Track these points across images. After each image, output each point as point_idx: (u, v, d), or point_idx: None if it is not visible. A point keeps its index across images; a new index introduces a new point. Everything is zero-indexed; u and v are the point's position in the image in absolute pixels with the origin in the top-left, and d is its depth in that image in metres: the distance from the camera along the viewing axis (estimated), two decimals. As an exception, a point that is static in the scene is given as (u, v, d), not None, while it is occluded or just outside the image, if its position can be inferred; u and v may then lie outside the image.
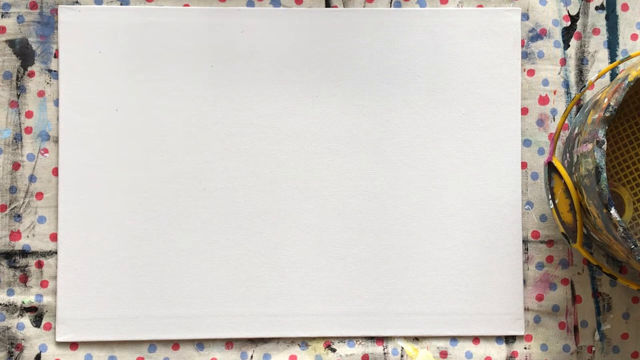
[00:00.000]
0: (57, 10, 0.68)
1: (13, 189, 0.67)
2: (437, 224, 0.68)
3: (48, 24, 0.68)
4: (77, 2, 0.68)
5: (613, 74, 0.69)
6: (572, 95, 0.69)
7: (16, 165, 0.67)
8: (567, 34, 0.69)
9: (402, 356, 0.68)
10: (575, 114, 0.69)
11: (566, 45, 0.69)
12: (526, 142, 0.69)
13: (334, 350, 0.68)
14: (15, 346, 0.67)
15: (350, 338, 0.68)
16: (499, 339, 0.68)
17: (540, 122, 0.69)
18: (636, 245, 0.55)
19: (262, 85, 0.68)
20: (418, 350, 0.68)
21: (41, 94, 0.67)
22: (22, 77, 0.67)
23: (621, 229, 0.55)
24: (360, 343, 0.68)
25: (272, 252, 0.67)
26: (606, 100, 0.57)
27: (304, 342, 0.68)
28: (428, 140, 0.68)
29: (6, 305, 0.67)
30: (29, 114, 0.67)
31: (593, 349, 0.68)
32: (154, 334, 0.67)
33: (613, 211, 0.55)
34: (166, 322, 0.67)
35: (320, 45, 0.68)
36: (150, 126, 0.67)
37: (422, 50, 0.68)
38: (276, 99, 0.68)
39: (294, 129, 0.68)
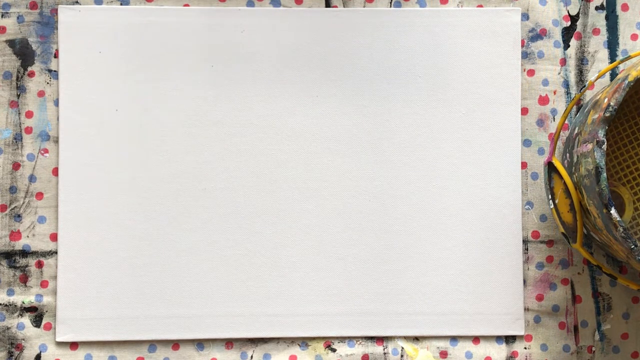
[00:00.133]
0: (57, 10, 0.68)
1: (13, 189, 0.67)
2: (437, 224, 0.68)
3: (48, 24, 0.68)
4: (77, 2, 0.68)
5: (613, 74, 0.69)
6: (572, 95, 0.69)
7: (16, 165, 0.67)
8: (567, 34, 0.69)
9: (402, 356, 0.68)
10: (575, 114, 0.69)
11: (566, 45, 0.69)
12: (526, 142, 0.69)
13: (334, 350, 0.68)
14: (15, 346, 0.67)
15: (350, 338, 0.68)
16: (499, 339, 0.68)
17: (540, 122, 0.69)
18: (636, 245, 0.55)
19: (262, 85, 0.68)
20: (418, 350, 0.68)
21: (41, 94, 0.67)
22: (22, 77, 0.67)
23: (621, 229, 0.55)
24: (360, 343, 0.68)
25: (272, 252, 0.67)
26: (606, 100, 0.57)
27: (304, 342, 0.68)
28: (428, 140, 0.68)
29: (6, 305, 0.67)
30: (29, 114, 0.67)
31: (593, 349, 0.68)
32: (154, 334, 0.67)
33: (613, 211, 0.55)
34: (166, 322, 0.67)
35: (320, 45, 0.68)
36: (150, 126, 0.67)
37: (422, 50, 0.68)
38: (276, 99, 0.68)
39: (294, 129, 0.68)
